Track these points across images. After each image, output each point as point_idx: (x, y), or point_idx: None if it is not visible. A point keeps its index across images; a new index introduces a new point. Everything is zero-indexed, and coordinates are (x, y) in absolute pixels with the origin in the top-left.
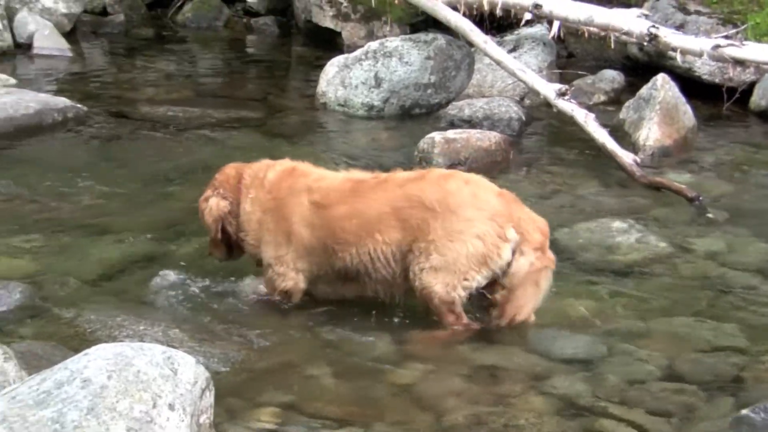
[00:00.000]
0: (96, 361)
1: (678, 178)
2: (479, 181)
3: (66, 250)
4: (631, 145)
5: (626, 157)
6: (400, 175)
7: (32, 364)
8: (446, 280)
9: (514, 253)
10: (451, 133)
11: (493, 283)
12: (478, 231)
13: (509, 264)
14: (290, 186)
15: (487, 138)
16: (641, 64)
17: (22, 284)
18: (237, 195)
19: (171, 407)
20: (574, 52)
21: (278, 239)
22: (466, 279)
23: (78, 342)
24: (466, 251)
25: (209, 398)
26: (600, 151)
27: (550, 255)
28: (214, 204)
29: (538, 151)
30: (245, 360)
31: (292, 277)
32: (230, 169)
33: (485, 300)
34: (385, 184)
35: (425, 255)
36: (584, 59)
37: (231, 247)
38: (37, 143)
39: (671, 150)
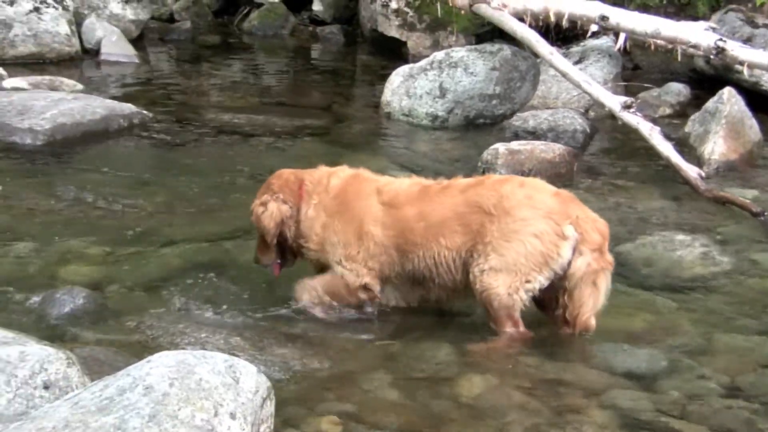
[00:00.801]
0: (158, 368)
1: (743, 193)
2: (535, 183)
3: (129, 256)
4: (696, 159)
5: (691, 170)
6: (461, 181)
7: (94, 370)
8: (508, 281)
9: (573, 252)
10: (515, 145)
11: (553, 289)
12: (535, 230)
13: (569, 264)
14: (358, 190)
15: (551, 150)
16: (707, 77)
17: (85, 290)
18: (297, 200)
19: (232, 416)
20: (639, 65)
21: (348, 239)
22: (528, 281)
23: (140, 348)
24: (524, 250)
25: (270, 407)
26: (664, 164)
27: (609, 257)
28: (275, 208)
29: (602, 164)
30: (305, 368)
31: (366, 273)
32: (288, 174)
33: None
34: (448, 190)
35: (484, 257)
36: (650, 72)
37: (283, 253)
38: (103, 149)
39: (736, 164)
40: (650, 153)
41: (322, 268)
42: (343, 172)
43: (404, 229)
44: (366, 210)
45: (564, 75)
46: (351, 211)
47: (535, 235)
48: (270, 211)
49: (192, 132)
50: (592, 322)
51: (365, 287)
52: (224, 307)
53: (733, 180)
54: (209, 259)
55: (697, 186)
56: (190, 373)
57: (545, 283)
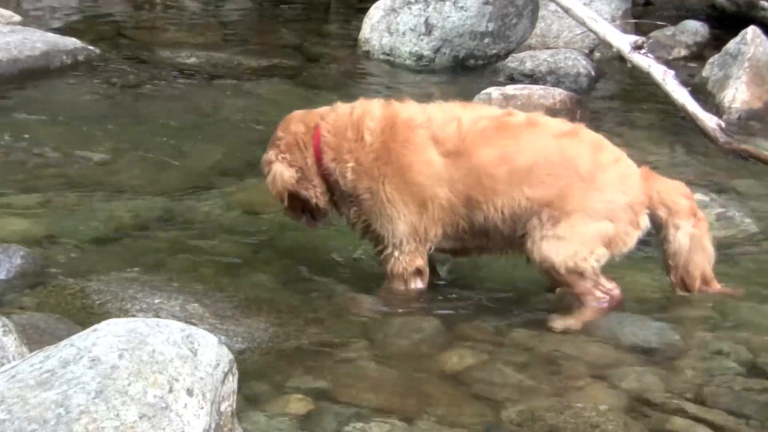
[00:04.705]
0: (106, 337)
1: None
2: (627, 160)
3: (74, 211)
4: (715, 107)
5: (709, 120)
6: (548, 120)
7: (34, 339)
8: (570, 249)
9: (664, 229)
10: (510, 89)
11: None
12: (614, 215)
13: (668, 242)
14: (405, 142)
15: (550, 95)
16: (728, 15)
17: (23, 248)
18: (315, 157)
19: (189, 392)
20: (652, 0)
21: (410, 210)
22: (593, 252)
23: (85, 315)
24: (596, 229)
25: (232, 383)
26: (679, 113)
27: (702, 215)
28: (278, 173)
29: (608, 112)
30: (272, 340)
31: (423, 251)
32: (297, 124)
33: None
34: (537, 129)
35: (552, 223)
36: (664, 8)
37: (311, 213)
38: (43, 89)
39: (761, 113)
40: (663, 100)
41: (365, 228)
42: (371, 116)
43: (480, 176)
44: (424, 170)
45: (566, 11)
46: (405, 173)
47: (611, 219)
48: (272, 175)
49: (145, 71)
50: (714, 282)
51: (417, 271)
52: (181, 269)
53: (756, 131)
54: (164, 214)
55: (716, 138)
56: (141, 343)
57: (603, 261)
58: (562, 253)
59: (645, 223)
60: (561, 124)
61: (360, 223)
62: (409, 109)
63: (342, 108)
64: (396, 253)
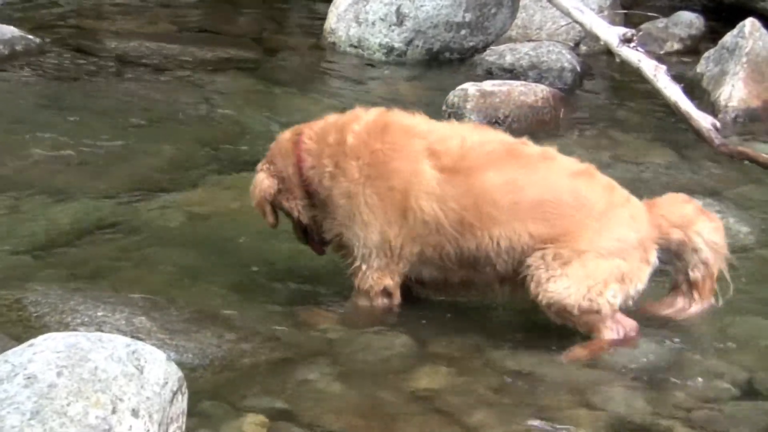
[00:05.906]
0: (44, 353)
1: (766, 149)
2: (635, 199)
3: (9, 215)
4: (710, 106)
5: (703, 119)
6: (564, 159)
7: None
8: (582, 287)
9: (687, 244)
10: (488, 85)
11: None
12: (626, 253)
13: (697, 252)
14: (398, 148)
15: (532, 92)
16: (725, 6)
17: None
18: (296, 165)
19: (134, 413)
20: None
21: (387, 218)
22: (608, 286)
23: (21, 329)
24: (608, 267)
25: (181, 403)
26: (671, 111)
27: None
28: (258, 182)
29: (594, 110)
30: (227, 357)
31: (394, 270)
32: (285, 134)
33: None
34: (552, 164)
35: (561, 262)
36: None
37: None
38: None
39: (759, 113)
40: (654, 98)
41: (339, 242)
42: (362, 116)
43: (480, 200)
44: (413, 179)
45: (550, 0)
46: (390, 179)
47: (623, 258)
48: (253, 184)
49: (89, 63)
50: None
51: (385, 291)
52: (127, 279)
53: (754, 132)
54: (109, 218)
55: (711, 139)
56: (82, 360)
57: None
58: (574, 293)
59: (654, 259)
60: (573, 163)
61: (335, 237)
62: (409, 118)
63: (331, 116)
64: (364, 267)
